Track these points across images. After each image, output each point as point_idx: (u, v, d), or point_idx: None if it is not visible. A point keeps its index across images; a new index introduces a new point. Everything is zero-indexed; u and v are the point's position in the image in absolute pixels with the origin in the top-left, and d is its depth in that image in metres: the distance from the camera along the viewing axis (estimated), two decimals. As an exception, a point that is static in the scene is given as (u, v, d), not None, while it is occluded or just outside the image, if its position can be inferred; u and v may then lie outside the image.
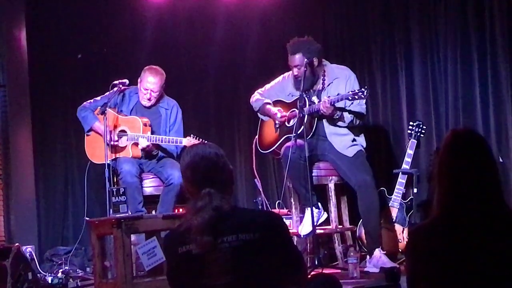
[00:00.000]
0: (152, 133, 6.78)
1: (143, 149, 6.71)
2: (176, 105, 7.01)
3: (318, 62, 6.47)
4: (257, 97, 6.93)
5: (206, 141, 6.38)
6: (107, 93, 6.79)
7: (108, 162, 6.48)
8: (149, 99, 6.84)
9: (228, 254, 2.95)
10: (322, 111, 6.21)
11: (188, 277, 3.03)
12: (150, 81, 6.80)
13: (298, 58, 6.39)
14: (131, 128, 6.75)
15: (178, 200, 6.73)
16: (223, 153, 3.20)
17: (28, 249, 7.13)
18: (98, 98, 6.90)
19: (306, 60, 6.29)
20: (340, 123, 6.40)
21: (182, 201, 6.97)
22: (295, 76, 6.48)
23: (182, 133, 6.88)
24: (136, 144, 6.72)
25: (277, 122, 6.71)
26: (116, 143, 6.75)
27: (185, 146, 6.50)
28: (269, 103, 6.83)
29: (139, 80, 6.87)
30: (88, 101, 6.97)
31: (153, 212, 6.73)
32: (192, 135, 6.66)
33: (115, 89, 6.75)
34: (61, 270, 7.18)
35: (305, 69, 6.27)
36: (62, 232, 8.36)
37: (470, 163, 2.84)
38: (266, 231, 3.01)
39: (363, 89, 6.02)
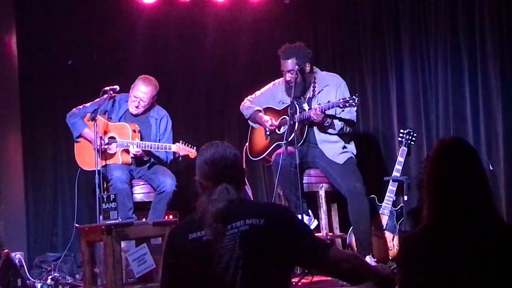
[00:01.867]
0: (142, 140, 6.78)
1: (134, 156, 6.71)
2: (166, 115, 7.02)
3: (309, 68, 6.50)
4: (247, 104, 6.96)
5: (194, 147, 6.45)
6: (98, 99, 6.79)
7: (98, 168, 6.48)
8: (137, 107, 6.84)
9: (237, 238, 3.10)
10: (312, 119, 6.24)
11: (195, 263, 3.15)
12: (141, 90, 6.81)
13: (291, 63, 6.42)
14: (121, 134, 6.76)
15: (168, 207, 6.76)
16: (239, 154, 3.40)
17: (17, 256, 7.13)
18: (88, 104, 6.91)
19: (297, 67, 6.32)
20: (330, 131, 6.43)
21: (172, 208, 7.00)
22: (287, 81, 6.49)
23: (171, 143, 6.88)
24: (126, 150, 6.72)
25: (267, 129, 6.74)
26: (106, 147, 6.74)
27: (174, 152, 6.52)
28: (259, 111, 6.86)
29: (132, 86, 6.88)
30: (78, 107, 6.97)
31: (144, 219, 6.74)
32: (181, 141, 6.68)
33: (106, 95, 6.75)
34: (50, 276, 7.19)
35: (296, 76, 6.30)
36: (51, 239, 8.36)
37: (458, 172, 2.86)
38: (272, 218, 3.14)
39: (353, 97, 6.06)
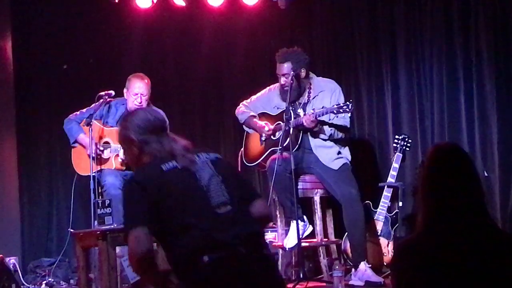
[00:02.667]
0: None
1: (122, 161, 6.69)
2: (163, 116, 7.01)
3: (305, 74, 6.51)
4: (242, 109, 6.96)
5: None
6: (93, 104, 6.78)
7: (93, 174, 6.47)
8: (140, 103, 6.80)
9: (208, 163, 3.54)
10: (305, 124, 6.24)
11: (182, 185, 3.43)
12: (139, 86, 6.79)
13: (286, 67, 6.42)
14: (114, 139, 6.75)
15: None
16: None
17: (12, 261, 7.14)
18: (84, 110, 6.90)
19: (292, 72, 6.33)
20: (321, 136, 6.44)
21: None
22: (282, 85, 6.50)
23: None
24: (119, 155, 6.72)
25: (263, 135, 6.74)
26: (100, 153, 6.74)
27: None
28: (254, 116, 6.86)
29: (125, 90, 6.86)
30: (74, 113, 6.97)
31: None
32: None
33: (101, 100, 6.74)
34: (44, 282, 7.20)
35: (292, 81, 6.31)
36: (46, 244, 8.36)
37: (453, 178, 2.87)
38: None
39: (347, 103, 6.07)
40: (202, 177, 3.47)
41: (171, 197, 3.39)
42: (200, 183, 3.44)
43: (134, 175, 3.56)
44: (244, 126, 6.98)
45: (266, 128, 6.68)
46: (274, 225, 7.03)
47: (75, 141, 6.89)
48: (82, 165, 6.81)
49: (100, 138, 6.77)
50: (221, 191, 3.44)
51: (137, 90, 6.80)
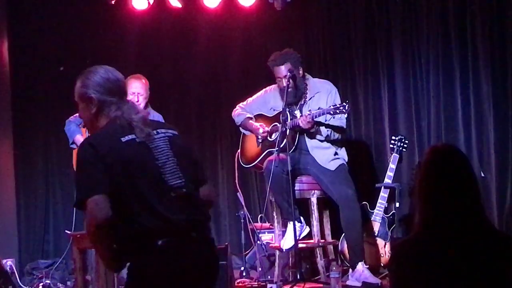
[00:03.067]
0: None
1: None
2: (161, 119, 7.00)
3: (302, 73, 6.52)
4: (239, 111, 6.96)
5: None
6: None
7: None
8: (138, 102, 6.81)
9: (166, 141, 3.51)
10: (301, 125, 6.24)
11: (139, 161, 3.39)
12: (135, 86, 6.80)
13: (285, 68, 6.41)
14: None
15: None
16: None
17: (9, 263, 7.14)
18: None
19: (289, 74, 6.33)
20: (317, 137, 6.44)
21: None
22: (283, 88, 6.47)
23: None
24: None
25: (259, 137, 6.74)
26: None
27: None
28: (250, 118, 6.87)
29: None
30: (74, 115, 6.95)
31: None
32: None
33: None
34: (41, 283, 7.19)
35: (289, 82, 6.31)
36: (42, 245, 8.36)
37: (449, 179, 2.88)
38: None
39: (344, 104, 6.07)
40: (159, 156, 3.44)
41: (127, 172, 3.33)
42: (157, 162, 3.42)
43: (92, 140, 3.42)
44: (240, 128, 6.99)
45: (261, 130, 6.68)
46: (271, 226, 7.04)
47: (73, 142, 6.89)
48: None
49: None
50: (177, 173, 3.43)
51: (134, 90, 6.81)
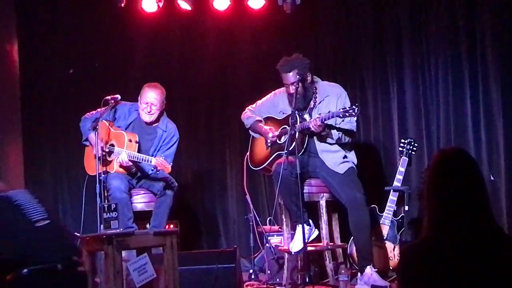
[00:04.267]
0: (140, 150, 6.73)
1: (120, 165, 6.67)
2: (174, 129, 6.98)
3: (310, 78, 6.52)
4: (248, 114, 6.97)
5: (171, 164, 6.44)
6: (102, 108, 6.75)
7: (100, 177, 6.47)
8: (150, 112, 6.82)
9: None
10: (312, 129, 6.24)
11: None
12: (150, 96, 6.81)
13: (292, 75, 6.39)
14: (118, 142, 6.76)
15: (170, 215, 6.76)
16: None
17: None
18: (101, 109, 6.84)
19: (298, 77, 6.33)
20: (328, 140, 6.43)
21: (173, 217, 7.01)
22: (291, 94, 6.46)
23: (172, 158, 6.82)
24: None
25: (268, 140, 6.74)
26: (105, 154, 6.74)
27: (155, 166, 6.44)
28: (260, 121, 6.88)
29: (139, 97, 6.88)
30: (91, 112, 6.94)
31: (147, 226, 6.75)
32: (162, 155, 6.56)
33: (109, 104, 6.73)
34: (50, 286, 7.17)
35: (297, 86, 6.31)
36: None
37: (458, 183, 2.88)
38: None
39: (354, 107, 6.06)
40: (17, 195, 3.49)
41: None
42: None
43: None
44: (250, 130, 7.00)
45: (270, 134, 6.68)
46: (280, 229, 7.04)
47: (86, 139, 6.90)
48: (91, 165, 6.80)
49: (107, 139, 6.77)
50: (39, 206, 3.53)
51: (147, 99, 6.82)
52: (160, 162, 6.34)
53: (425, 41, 7.69)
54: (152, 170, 6.57)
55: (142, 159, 6.56)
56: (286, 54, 6.58)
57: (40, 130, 8.61)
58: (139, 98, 6.88)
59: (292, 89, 6.41)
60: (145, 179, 6.86)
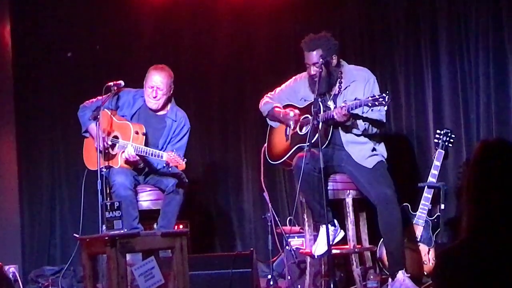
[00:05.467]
0: (148, 143, 6.73)
1: (126, 160, 6.66)
2: (185, 118, 6.98)
3: (336, 61, 6.50)
4: (266, 101, 6.95)
5: (185, 160, 6.41)
6: (104, 95, 6.75)
7: (102, 172, 6.46)
8: (155, 98, 6.81)
9: None
10: (336, 118, 6.22)
11: None
12: (156, 80, 6.81)
13: (316, 55, 6.39)
14: (123, 135, 6.75)
15: (179, 215, 6.75)
16: None
17: (11, 269, 7.19)
18: (101, 97, 6.83)
19: (322, 60, 6.31)
20: (354, 131, 6.41)
21: (183, 216, 7.01)
22: (312, 76, 6.47)
23: (183, 151, 6.82)
24: None
25: (290, 123, 6.66)
26: (108, 147, 6.73)
27: (167, 162, 6.44)
28: (278, 107, 6.84)
29: (144, 81, 6.88)
30: (91, 100, 6.94)
31: (154, 226, 6.76)
32: (174, 150, 6.58)
33: (112, 91, 6.73)
34: (47, 292, 7.23)
35: (321, 70, 6.29)
36: (48, 251, 8.42)
37: (501, 177, 2.85)
38: None
39: (384, 94, 6.02)
40: None
41: None
42: None
43: None
44: (267, 119, 6.97)
45: (292, 114, 6.60)
46: (301, 230, 7.04)
47: (86, 130, 6.89)
48: (92, 158, 6.79)
49: (109, 131, 6.76)
50: None
51: (153, 83, 6.81)
52: (172, 157, 6.35)
53: (464, 20, 7.64)
54: (164, 166, 6.56)
55: (152, 153, 6.55)
56: (311, 34, 6.55)
57: (36, 121, 8.62)
58: (144, 83, 6.88)
59: (313, 70, 6.40)
60: (153, 174, 6.86)
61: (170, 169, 6.58)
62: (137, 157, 6.62)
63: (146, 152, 6.57)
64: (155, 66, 6.92)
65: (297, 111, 6.59)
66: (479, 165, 2.92)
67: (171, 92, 6.92)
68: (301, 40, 6.57)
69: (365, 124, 6.33)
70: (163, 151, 6.59)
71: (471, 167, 2.93)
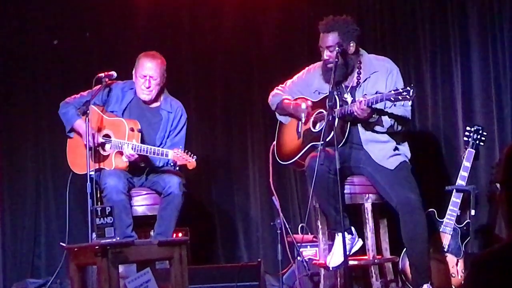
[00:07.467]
0: (143, 140, 6.73)
1: (127, 159, 6.65)
2: (181, 108, 7.00)
3: (354, 49, 6.48)
4: (275, 93, 6.93)
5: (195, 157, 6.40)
6: (94, 88, 6.76)
7: (91, 173, 6.46)
8: (149, 88, 6.82)
9: None
10: (356, 114, 6.20)
11: None
12: (148, 67, 6.81)
13: (331, 38, 6.38)
14: (116, 132, 6.75)
15: (178, 221, 6.75)
16: None
17: (-10, 282, 7.19)
18: (85, 93, 6.85)
19: (338, 49, 6.27)
20: (377, 128, 6.39)
21: (182, 223, 7.01)
22: (325, 61, 6.45)
23: (183, 144, 6.82)
24: (121, 153, 6.68)
25: (302, 115, 6.64)
26: (99, 147, 6.74)
27: (174, 162, 6.44)
28: (288, 98, 6.82)
29: (133, 71, 6.88)
30: (73, 96, 6.96)
31: (151, 234, 6.76)
32: (181, 147, 6.56)
33: (100, 85, 6.74)
34: (31, 308, 7.23)
35: (337, 59, 6.26)
36: (32, 261, 8.40)
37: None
38: None
39: (408, 88, 6.00)
40: None
41: None
42: None
43: None
44: (276, 113, 6.95)
45: (304, 106, 6.56)
46: (314, 239, 7.03)
47: (71, 130, 6.89)
48: (78, 161, 6.79)
49: (99, 129, 6.76)
50: None
51: (146, 72, 6.81)
52: (180, 155, 6.37)
53: (497, 6, 7.64)
54: (171, 166, 6.58)
55: (154, 152, 6.55)
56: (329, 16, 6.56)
57: (18, 117, 8.61)
58: (134, 72, 6.87)
59: (326, 55, 6.39)
60: (152, 173, 6.86)
61: (177, 168, 6.60)
62: (136, 155, 6.62)
63: (148, 151, 6.56)
64: (145, 53, 6.92)
65: (309, 103, 6.57)
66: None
67: (164, 81, 6.92)
68: (314, 27, 6.57)
69: (391, 120, 6.31)
70: (162, 147, 6.59)
71: (505, 167, 2.92)
